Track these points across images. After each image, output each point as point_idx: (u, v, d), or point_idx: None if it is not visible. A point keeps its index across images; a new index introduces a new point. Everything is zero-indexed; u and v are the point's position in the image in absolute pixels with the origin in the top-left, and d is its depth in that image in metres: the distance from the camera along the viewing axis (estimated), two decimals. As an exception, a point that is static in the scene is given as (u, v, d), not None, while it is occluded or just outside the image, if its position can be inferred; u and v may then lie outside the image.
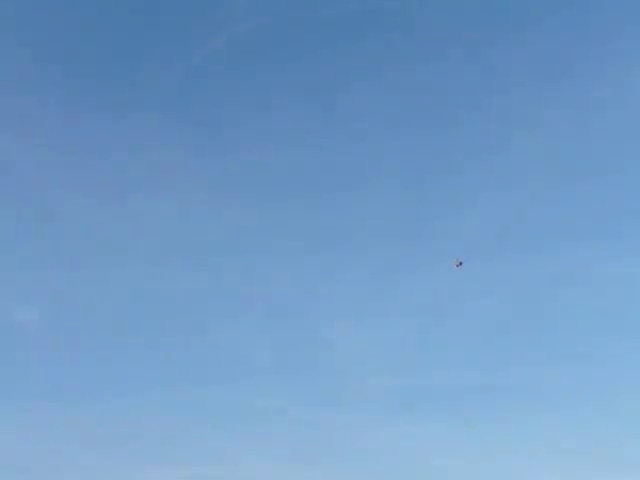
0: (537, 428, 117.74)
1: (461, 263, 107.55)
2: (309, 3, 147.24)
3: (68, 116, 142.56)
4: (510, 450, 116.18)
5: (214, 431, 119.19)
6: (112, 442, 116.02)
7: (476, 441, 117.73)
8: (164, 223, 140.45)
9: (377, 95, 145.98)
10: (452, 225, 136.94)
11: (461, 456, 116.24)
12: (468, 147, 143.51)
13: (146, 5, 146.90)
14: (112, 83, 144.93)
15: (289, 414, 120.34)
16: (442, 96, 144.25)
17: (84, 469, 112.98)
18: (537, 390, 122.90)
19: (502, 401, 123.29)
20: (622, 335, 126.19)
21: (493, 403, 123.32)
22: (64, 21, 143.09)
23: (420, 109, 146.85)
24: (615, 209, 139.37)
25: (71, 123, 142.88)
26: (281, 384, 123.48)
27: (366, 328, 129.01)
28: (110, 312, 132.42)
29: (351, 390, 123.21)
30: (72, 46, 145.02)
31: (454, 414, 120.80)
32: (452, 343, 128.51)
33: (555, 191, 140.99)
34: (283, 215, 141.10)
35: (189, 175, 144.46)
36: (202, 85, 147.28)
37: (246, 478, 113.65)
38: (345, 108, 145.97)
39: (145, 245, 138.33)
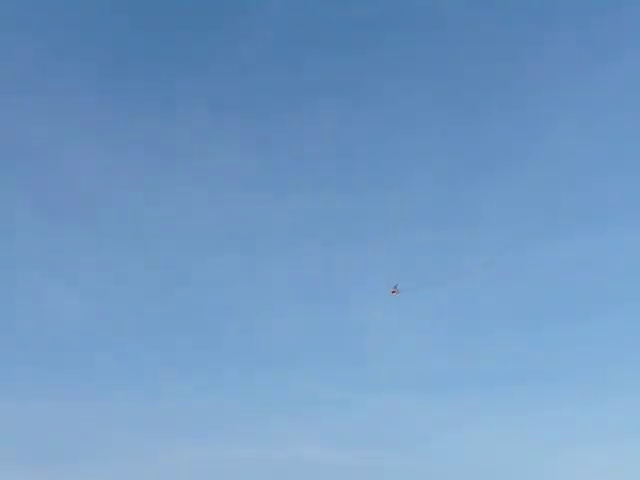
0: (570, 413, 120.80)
1: (395, 291, 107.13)
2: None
3: (117, 108, 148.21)
4: (541, 433, 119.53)
5: (258, 413, 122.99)
6: (160, 423, 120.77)
7: (509, 423, 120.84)
8: (206, 211, 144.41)
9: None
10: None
11: (495, 438, 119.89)
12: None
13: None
14: (160, 73, 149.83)
15: (326, 397, 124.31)
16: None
17: (131, 451, 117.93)
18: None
19: (534, 388, 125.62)
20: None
21: (525, 388, 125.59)
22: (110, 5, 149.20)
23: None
24: None
25: (120, 115, 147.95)
26: (319, 368, 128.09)
27: (399, 312, 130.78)
28: (154, 296, 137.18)
29: (386, 373, 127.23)
30: (119, 31, 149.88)
31: (489, 398, 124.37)
32: (484, 326, 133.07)
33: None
34: (318, 203, 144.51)
35: (233, 165, 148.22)
36: (250, 78, 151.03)
37: (286, 458, 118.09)
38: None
39: (190, 232, 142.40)
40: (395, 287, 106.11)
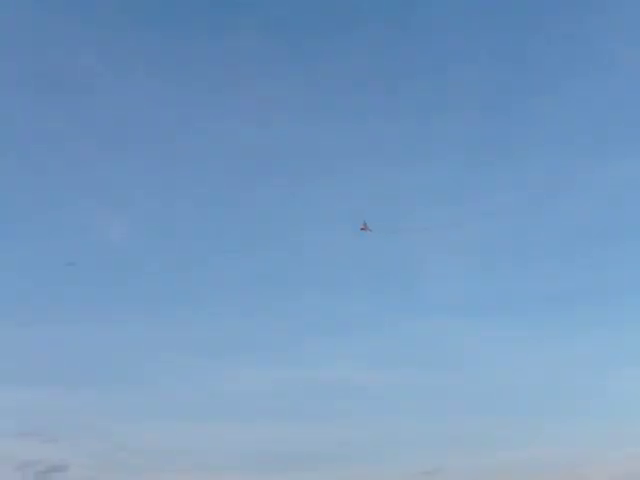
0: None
1: (365, 228, 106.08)
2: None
3: (164, 36, 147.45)
4: (589, 355, 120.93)
5: (306, 335, 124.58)
6: (207, 345, 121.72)
7: (555, 347, 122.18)
8: (252, 142, 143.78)
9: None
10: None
11: (540, 361, 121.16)
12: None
13: None
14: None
15: (374, 319, 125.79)
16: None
17: (181, 372, 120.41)
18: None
19: (581, 310, 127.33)
20: None
21: (573, 310, 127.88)
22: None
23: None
24: None
25: (166, 43, 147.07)
26: (369, 291, 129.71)
27: (446, 234, 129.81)
28: (201, 228, 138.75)
29: (434, 297, 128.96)
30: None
31: (535, 320, 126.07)
32: (538, 248, 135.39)
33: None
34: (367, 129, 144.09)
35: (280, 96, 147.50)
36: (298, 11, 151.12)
37: (335, 379, 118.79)
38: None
39: (238, 156, 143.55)
40: (364, 224, 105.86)
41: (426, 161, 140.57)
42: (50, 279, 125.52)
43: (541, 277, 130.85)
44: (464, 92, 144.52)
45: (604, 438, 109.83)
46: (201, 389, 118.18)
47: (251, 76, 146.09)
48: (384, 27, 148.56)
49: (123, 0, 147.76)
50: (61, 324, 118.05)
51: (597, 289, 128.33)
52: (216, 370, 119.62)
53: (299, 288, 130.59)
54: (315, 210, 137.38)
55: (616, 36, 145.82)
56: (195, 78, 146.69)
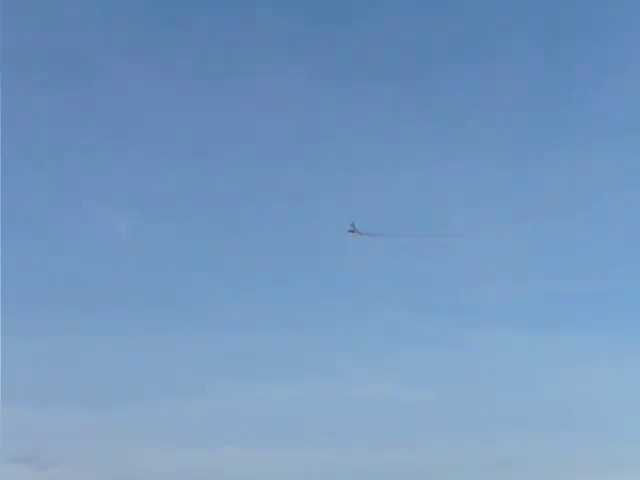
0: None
1: (353, 230, 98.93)
2: None
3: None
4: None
5: (335, 348, 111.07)
6: (226, 361, 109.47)
7: (606, 351, 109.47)
8: (268, 120, 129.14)
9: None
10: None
11: (590, 367, 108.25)
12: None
13: None
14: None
15: (410, 330, 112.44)
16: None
17: (197, 390, 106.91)
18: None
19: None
20: None
21: (624, 310, 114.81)
22: None
23: None
24: None
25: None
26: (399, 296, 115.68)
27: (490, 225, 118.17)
28: (207, 216, 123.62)
29: (474, 299, 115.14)
30: None
31: (586, 324, 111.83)
32: (584, 244, 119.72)
33: None
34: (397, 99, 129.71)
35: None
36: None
37: (366, 395, 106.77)
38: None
39: (253, 141, 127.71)
40: (352, 226, 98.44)
41: (458, 160, 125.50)
42: (48, 282, 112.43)
43: (602, 278, 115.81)
44: (499, 88, 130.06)
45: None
46: (221, 410, 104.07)
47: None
48: (415, 11, 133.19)
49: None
50: (58, 334, 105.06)
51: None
52: (235, 389, 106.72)
53: (327, 298, 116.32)
54: (340, 209, 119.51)
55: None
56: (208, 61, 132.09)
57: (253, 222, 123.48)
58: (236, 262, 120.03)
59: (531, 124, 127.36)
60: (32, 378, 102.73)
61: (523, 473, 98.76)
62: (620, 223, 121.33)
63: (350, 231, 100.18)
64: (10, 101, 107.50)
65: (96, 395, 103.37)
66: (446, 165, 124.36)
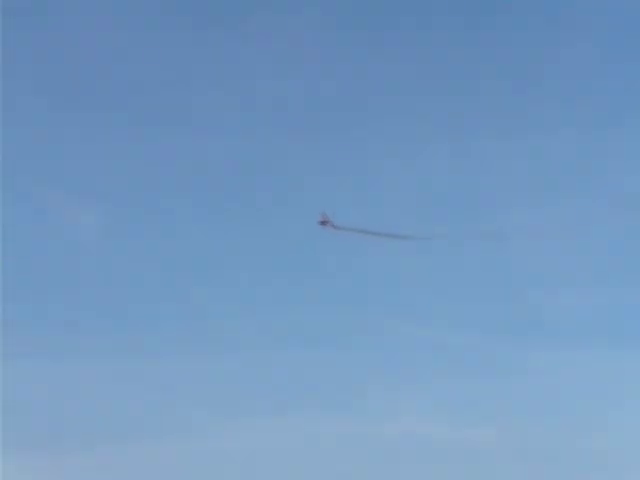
0: None
1: (326, 221, 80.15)
2: None
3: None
4: None
5: (360, 377, 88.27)
6: (233, 392, 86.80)
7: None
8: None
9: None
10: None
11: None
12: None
13: None
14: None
15: (454, 349, 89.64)
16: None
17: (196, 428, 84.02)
18: None
19: None
20: None
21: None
22: None
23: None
24: None
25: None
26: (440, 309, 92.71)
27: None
28: (195, 209, 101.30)
29: (528, 311, 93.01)
30: None
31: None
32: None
33: None
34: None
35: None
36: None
37: (399, 434, 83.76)
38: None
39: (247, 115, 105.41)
40: (324, 216, 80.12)
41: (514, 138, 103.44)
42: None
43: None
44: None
45: None
46: (219, 453, 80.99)
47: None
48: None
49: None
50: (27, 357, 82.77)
51: None
52: (243, 427, 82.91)
53: (350, 311, 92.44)
54: (363, 199, 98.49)
55: None
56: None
57: (253, 213, 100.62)
58: (233, 265, 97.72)
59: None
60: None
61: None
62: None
63: (322, 223, 79.47)
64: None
65: (58, 436, 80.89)
66: (500, 142, 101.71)
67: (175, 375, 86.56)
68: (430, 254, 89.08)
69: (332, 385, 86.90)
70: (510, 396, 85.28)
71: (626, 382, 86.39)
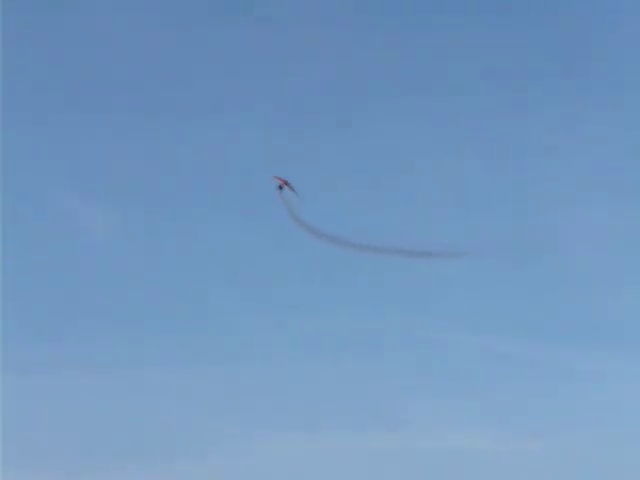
0: None
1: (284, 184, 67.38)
2: None
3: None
4: None
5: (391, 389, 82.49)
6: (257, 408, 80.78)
7: None
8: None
9: None
10: None
11: None
12: None
13: None
14: None
15: (500, 356, 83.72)
16: None
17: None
18: None
19: None
20: None
21: None
22: None
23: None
24: None
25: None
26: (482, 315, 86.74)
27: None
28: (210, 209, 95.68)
29: (586, 318, 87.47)
30: None
31: None
32: None
33: None
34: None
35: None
36: None
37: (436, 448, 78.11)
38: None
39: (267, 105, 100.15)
40: (281, 179, 67.28)
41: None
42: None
43: None
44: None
45: None
46: (272, 464, 75.01)
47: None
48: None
49: None
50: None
51: None
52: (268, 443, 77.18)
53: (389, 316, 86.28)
54: (400, 199, 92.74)
55: None
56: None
57: (273, 215, 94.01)
58: (255, 267, 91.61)
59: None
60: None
61: None
62: None
63: (280, 186, 67.00)
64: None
65: (74, 454, 74.75)
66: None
67: (203, 387, 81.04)
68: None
69: (371, 398, 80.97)
70: (560, 406, 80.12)
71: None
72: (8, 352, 75.90)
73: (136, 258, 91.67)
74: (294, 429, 77.98)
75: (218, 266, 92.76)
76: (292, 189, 66.77)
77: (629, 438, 77.23)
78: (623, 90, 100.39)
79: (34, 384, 78.80)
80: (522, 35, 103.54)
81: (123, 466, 73.46)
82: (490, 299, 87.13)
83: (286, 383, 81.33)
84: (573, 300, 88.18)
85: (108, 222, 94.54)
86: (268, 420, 78.88)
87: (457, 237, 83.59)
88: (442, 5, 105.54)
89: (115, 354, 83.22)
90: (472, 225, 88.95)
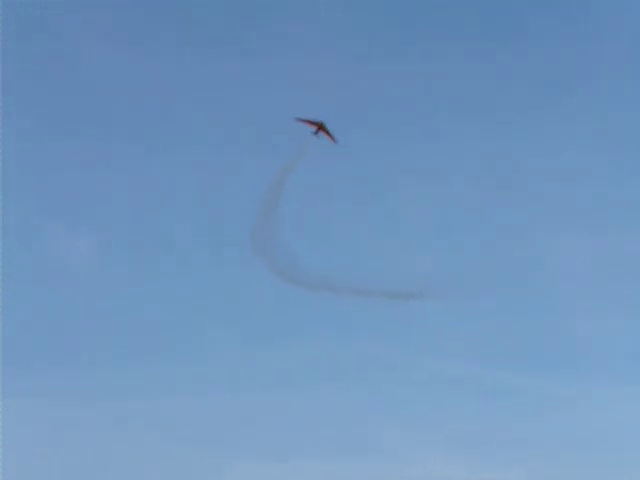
0: None
1: (320, 129, 62.08)
2: None
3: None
4: None
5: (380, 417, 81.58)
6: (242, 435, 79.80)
7: None
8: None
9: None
10: None
11: None
12: None
13: None
14: None
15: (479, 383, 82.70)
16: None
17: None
18: None
19: None
20: None
21: None
22: None
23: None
24: None
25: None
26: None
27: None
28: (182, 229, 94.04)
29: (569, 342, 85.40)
30: None
31: None
32: None
33: None
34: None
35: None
36: None
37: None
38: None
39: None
40: (317, 122, 60.82)
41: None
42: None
43: None
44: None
45: None
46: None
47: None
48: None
49: None
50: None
51: None
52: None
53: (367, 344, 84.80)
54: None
55: None
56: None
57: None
58: (239, 296, 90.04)
59: None
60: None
61: None
62: None
63: (315, 132, 61.46)
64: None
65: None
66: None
67: (175, 415, 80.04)
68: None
69: (344, 425, 80.00)
70: (539, 434, 78.62)
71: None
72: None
73: (119, 288, 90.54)
74: (265, 458, 76.97)
75: (201, 297, 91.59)
76: (328, 133, 61.04)
77: (603, 464, 75.98)
78: (607, 116, 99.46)
79: (17, 414, 77.32)
80: (505, 61, 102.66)
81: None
82: (462, 326, 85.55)
83: (256, 413, 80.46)
84: (547, 326, 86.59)
85: (90, 251, 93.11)
86: (241, 448, 78.12)
87: (437, 265, 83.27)
88: (428, 33, 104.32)
89: (91, 386, 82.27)
90: (452, 252, 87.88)
